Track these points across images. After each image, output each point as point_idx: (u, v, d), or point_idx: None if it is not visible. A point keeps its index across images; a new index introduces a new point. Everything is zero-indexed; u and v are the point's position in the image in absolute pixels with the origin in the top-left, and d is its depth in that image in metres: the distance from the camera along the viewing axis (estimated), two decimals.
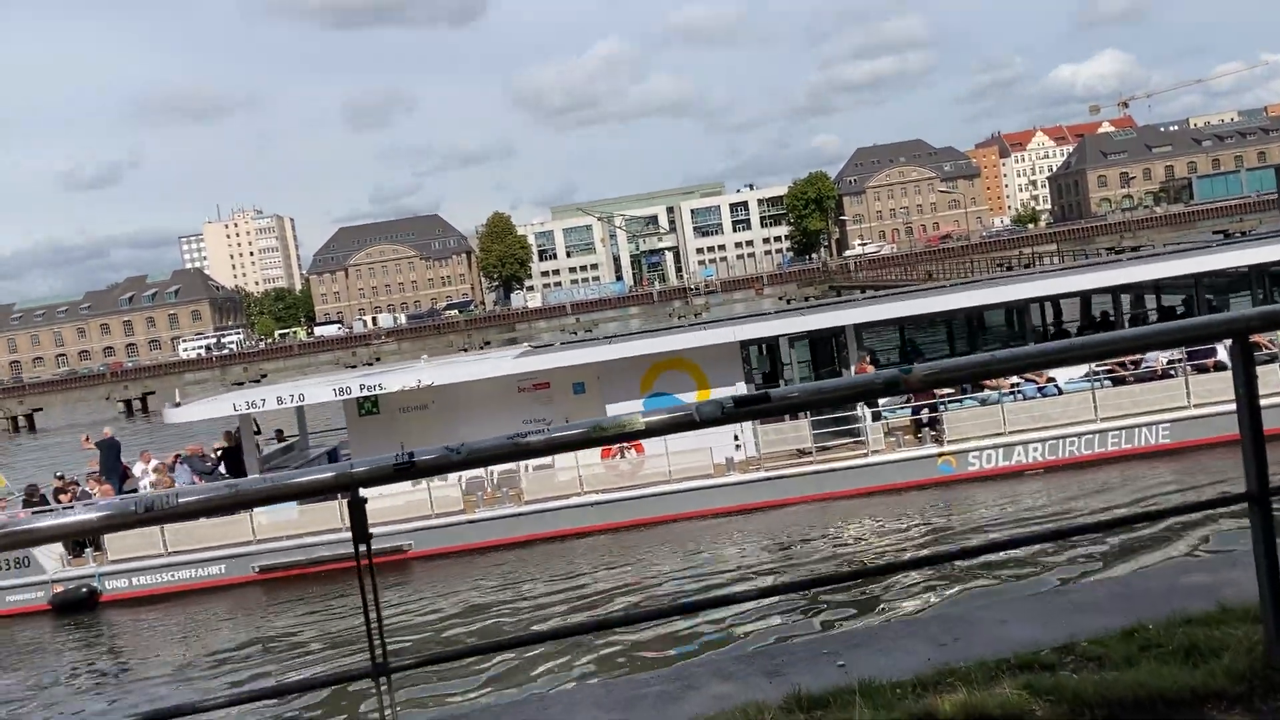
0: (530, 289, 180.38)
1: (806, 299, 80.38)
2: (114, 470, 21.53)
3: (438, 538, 18.17)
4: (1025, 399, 18.14)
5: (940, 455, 17.79)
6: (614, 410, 19.14)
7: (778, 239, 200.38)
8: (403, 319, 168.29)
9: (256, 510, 18.37)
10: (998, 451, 17.70)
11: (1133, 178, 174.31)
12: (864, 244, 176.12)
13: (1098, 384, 18.11)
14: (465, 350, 75.11)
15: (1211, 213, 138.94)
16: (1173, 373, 18.03)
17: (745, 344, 19.22)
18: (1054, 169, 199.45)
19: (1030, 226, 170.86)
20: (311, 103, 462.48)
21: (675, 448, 18.12)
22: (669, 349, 19.18)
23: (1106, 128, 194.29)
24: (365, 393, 18.80)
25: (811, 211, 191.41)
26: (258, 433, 22.99)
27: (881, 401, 18.41)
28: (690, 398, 19.15)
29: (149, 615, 17.62)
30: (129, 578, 18.44)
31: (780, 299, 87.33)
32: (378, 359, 73.74)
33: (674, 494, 18.00)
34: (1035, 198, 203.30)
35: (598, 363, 19.19)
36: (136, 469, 21.39)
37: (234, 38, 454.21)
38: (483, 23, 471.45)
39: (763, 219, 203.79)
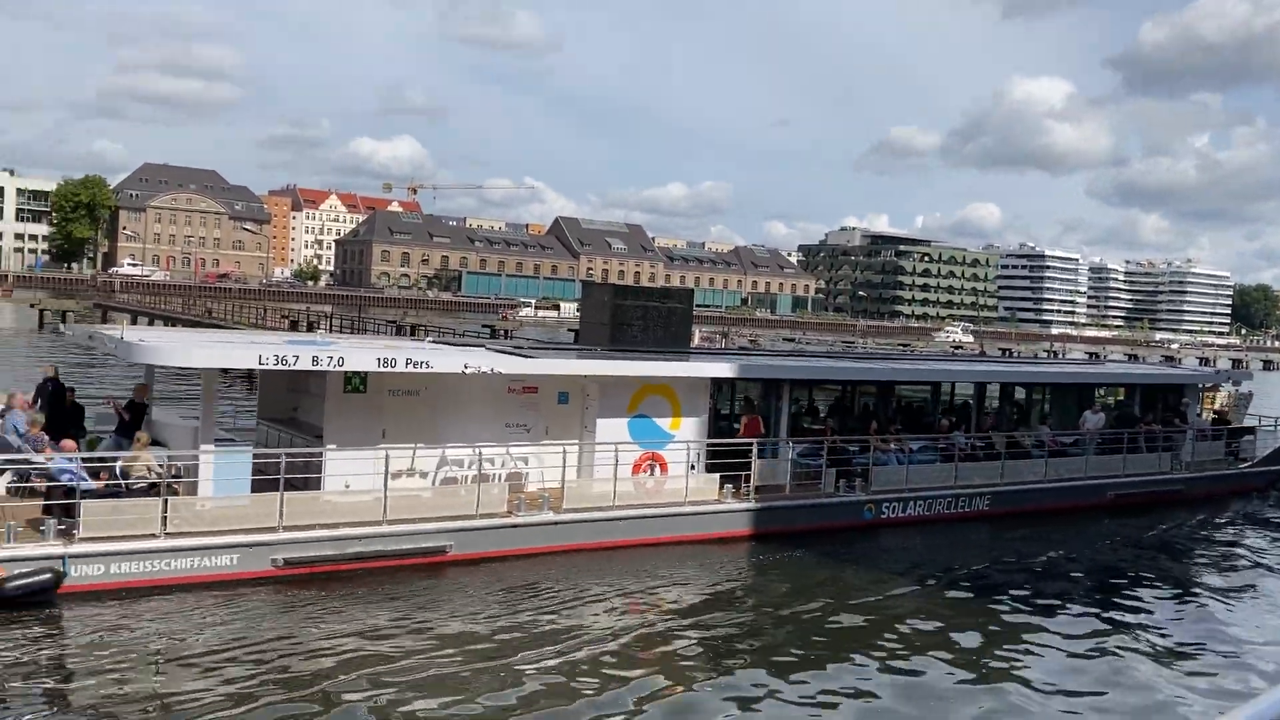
0: None
1: (64, 314, 74.33)
2: None
3: (479, 541, 16.30)
4: (898, 464, 22.03)
5: (866, 502, 20.86)
6: (603, 425, 18.99)
7: (33, 238, 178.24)
8: None
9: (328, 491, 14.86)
10: (902, 504, 21.30)
11: (423, 259, 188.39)
12: (135, 264, 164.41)
13: (939, 458, 22.70)
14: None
15: (475, 306, 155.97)
16: (979, 456, 23.39)
17: (716, 381, 20.36)
18: (343, 233, 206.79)
19: (311, 283, 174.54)
20: None
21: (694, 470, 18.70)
22: (657, 374, 19.53)
23: (395, 207, 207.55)
24: (410, 368, 16.09)
25: (82, 216, 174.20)
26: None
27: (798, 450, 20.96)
28: (666, 423, 19.70)
29: (132, 613, 13.09)
30: (106, 563, 13.44)
31: (32, 306, 78.92)
32: None
33: (688, 516, 18.47)
34: (320, 256, 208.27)
35: (597, 376, 18.82)
36: None
37: None
38: None
39: (20, 212, 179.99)
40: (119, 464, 14.27)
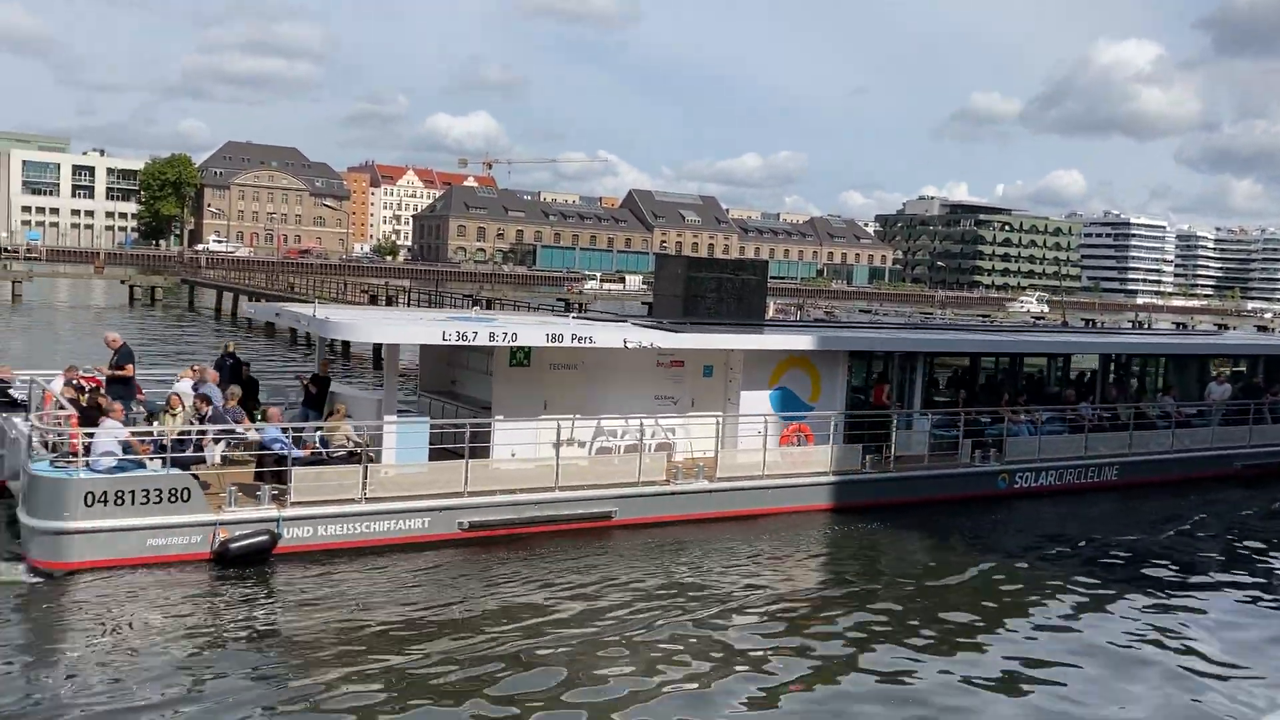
0: None
1: (153, 290, 75.88)
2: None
3: (640, 507, 17.11)
4: (1030, 435, 22.36)
5: (1001, 472, 21.29)
6: (747, 398, 19.63)
7: (124, 215, 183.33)
8: None
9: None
10: (1034, 474, 21.69)
11: (498, 233, 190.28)
12: (220, 240, 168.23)
13: (1066, 429, 23.00)
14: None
15: (549, 279, 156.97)
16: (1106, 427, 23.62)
17: (852, 354, 20.89)
18: (420, 209, 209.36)
19: (390, 259, 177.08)
20: None
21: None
22: (800, 347, 20.09)
23: (471, 182, 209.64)
24: (575, 343, 16.95)
25: (168, 194, 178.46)
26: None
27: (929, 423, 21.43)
28: (806, 395, 20.29)
29: (340, 572, 14.07)
30: (315, 526, 14.48)
31: (122, 283, 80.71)
32: None
33: (832, 485, 19.09)
34: (398, 232, 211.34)
35: (743, 349, 19.44)
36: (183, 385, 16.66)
37: None
38: None
39: (110, 191, 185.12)
40: (319, 433, 15.27)
